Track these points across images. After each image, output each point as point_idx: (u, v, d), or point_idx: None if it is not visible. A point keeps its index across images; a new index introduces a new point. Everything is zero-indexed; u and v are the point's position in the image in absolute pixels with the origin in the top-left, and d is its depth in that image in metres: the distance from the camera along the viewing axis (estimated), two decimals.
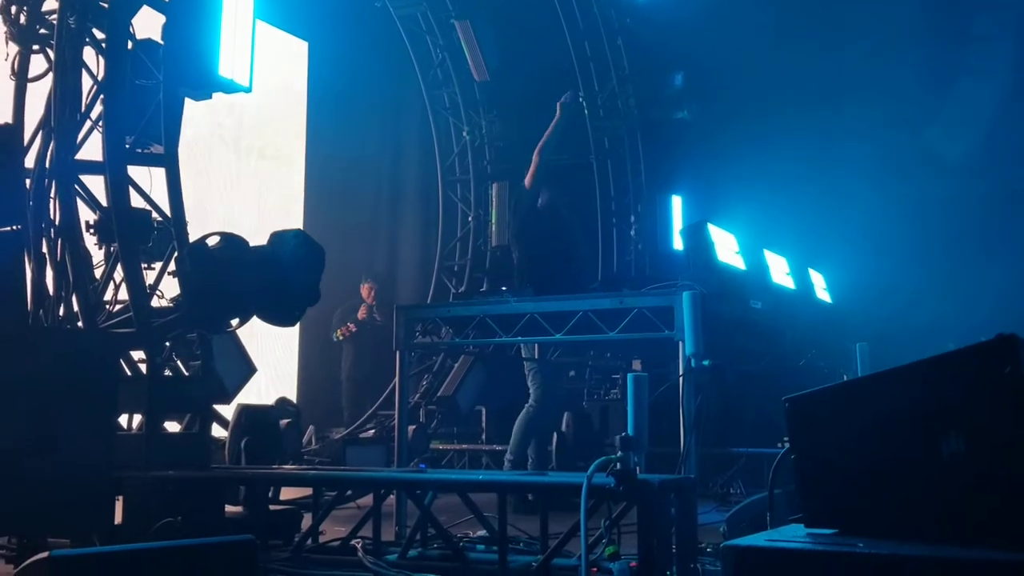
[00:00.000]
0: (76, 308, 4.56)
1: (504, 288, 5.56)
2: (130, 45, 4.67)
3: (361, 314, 9.40)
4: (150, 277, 4.61)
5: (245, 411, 5.01)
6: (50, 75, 4.70)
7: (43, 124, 4.71)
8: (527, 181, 6.27)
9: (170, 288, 4.66)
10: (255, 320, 4.89)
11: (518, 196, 6.56)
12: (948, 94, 10.20)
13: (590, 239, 9.31)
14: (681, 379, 4.24)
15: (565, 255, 6.33)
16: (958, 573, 1.74)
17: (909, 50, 10.11)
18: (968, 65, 10.23)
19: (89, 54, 4.69)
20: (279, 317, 4.67)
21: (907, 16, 10.13)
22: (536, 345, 5.96)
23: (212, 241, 4.68)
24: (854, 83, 9.90)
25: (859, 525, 2.00)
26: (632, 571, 3.20)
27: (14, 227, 4.30)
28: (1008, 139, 9.60)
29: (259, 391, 6.07)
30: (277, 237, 4.61)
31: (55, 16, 4.66)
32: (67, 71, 4.62)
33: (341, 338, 9.44)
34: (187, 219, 4.67)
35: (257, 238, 4.72)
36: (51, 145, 4.63)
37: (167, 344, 4.54)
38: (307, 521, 4.22)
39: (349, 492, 4.77)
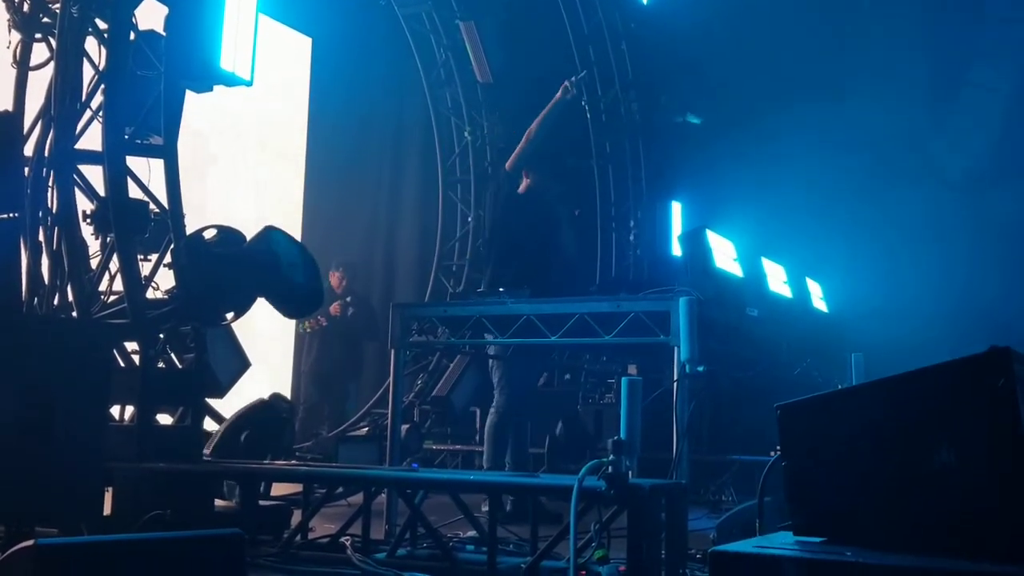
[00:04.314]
0: (71, 297, 4.55)
1: (501, 289, 5.52)
2: (132, 36, 4.66)
3: (334, 310, 8.97)
4: (146, 268, 4.61)
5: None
6: (52, 64, 4.69)
7: (43, 113, 4.70)
8: (508, 163, 5.73)
9: (165, 280, 4.65)
10: (251, 314, 4.89)
11: (497, 183, 5.99)
12: (951, 107, 10.21)
13: (584, 242, 9.20)
14: (675, 384, 4.23)
15: (548, 250, 5.83)
16: None
17: (913, 62, 10.14)
18: (972, 79, 10.25)
19: (91, 44, 4.68)
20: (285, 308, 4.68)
21: (911, 28, 10.15)
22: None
23: (209, 234, 4.68)
24: (857, 92, 9.91)
25: (848, 534, 2.00)
26: (621, 575, 3.20)
27: (11, 215, 4.30)
28: (1009, 153, 9.62)
29: (253, 386, 6.04)
30: (272, 234, 4.61)
31: (58, 5, 4.66)
32: (69, 60, 4.62)
33: (308, 330, 9.03)
34: (184, 212, 4.66)
35: (255, 233, 4.72)
36: (51, 134, 4.62)
37: (161, 336, 4.53)
38: (297, 517, 4.21)
39: (340, 489, 4.76)
